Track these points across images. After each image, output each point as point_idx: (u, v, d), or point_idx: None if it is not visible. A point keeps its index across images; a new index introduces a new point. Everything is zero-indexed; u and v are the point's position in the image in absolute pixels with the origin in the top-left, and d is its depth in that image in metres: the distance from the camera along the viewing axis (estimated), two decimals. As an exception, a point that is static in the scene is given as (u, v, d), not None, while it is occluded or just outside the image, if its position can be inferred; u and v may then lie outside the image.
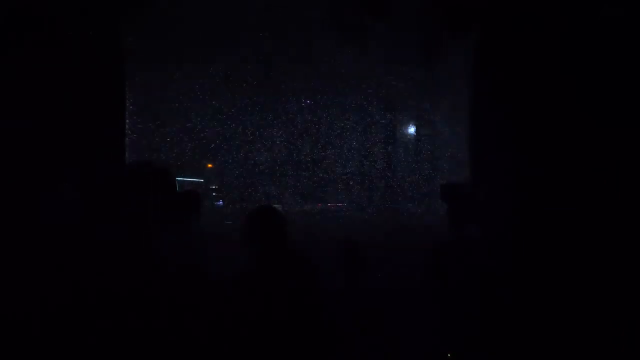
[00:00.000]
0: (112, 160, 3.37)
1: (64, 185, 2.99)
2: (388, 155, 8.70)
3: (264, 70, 10.41)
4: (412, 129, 9.59)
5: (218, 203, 8.51)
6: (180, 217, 2.37)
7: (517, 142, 3.20)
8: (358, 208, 10.04)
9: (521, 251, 2.86)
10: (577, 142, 2.93)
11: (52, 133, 3.06)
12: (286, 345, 2.42)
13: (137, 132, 9.00)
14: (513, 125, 3.23)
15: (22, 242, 2.81)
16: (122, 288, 1.75)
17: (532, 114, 3.11)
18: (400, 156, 9.26)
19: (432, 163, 8.49)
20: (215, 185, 9.91)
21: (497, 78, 3.39)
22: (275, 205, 3.22)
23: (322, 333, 2.59)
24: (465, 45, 3.87)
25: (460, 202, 2.78)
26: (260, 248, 2.55)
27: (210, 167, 12.30)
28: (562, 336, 2.65)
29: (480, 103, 3.68)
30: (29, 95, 2.99)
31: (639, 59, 2.84)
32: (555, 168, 3.00)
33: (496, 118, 3.39)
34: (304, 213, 8.61)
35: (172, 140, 10.89)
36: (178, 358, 1.78)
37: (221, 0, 9.01)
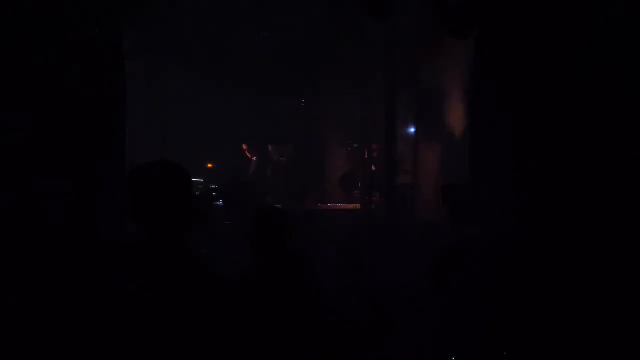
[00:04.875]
0: (113, 160, 3.37)
1: (64, 186, 3.00)
2: (388, 155, 8.67)
3: (264, 69, 10.43)
4: (412, 129, 9.57)
5: (218, 203, 8.51)
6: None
7: (518, 142, 3.20)
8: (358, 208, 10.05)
9: (523, 252, 2.86)
10: (577, 141, 2.94)
11: (52, 133, 3.05)
12: (287, 345, 2.42)
13: (137, 132, 9.01)
14: (513, 125, 3.23)
15: (22, 243, 2.81)
16: (123, 287, 1.75)
17: (532, 114, 3.11)
18: (401, 156, 9.23)
19: (432, 163, 8.47)
20: (215, 185, 9.91)
21: (498, 77, 3.39)
22: (276, 205, 3.23)
23: (323, 333, 2.60)
24: (465, 45, 3.87)
25: (461, 203, 2.79)
26: (261, 247, 2.56)
27: (210, 167, 12.30)
28: (564, 337, 2.65)
29: (480, 102, 3.69)
30: (28, 96, 2.99)
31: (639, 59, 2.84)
32: (555, 168, 3.00)
33: (496, 117, 3.39)
34: (304, 213, 8.61)
35: (172, 140, 10.89)
36: (178, 358, 1.78)
37: (222, 0, 9.02)
